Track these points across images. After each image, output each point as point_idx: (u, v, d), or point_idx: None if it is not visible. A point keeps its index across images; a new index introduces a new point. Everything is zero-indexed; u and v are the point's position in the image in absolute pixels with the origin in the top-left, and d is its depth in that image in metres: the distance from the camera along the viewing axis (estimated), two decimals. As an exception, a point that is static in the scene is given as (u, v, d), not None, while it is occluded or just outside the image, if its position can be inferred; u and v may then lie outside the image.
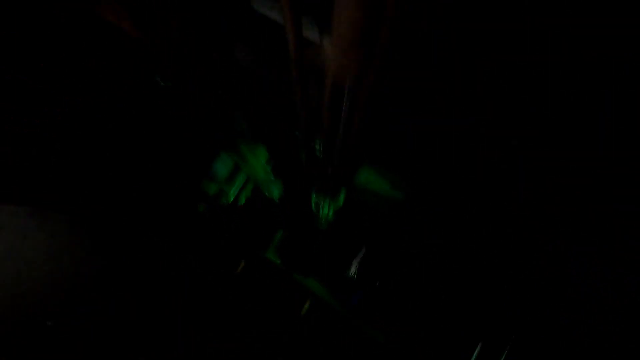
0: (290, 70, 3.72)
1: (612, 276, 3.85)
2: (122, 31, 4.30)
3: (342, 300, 9.85)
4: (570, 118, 5.49)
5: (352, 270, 11.22)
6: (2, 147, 3.64)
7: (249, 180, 10.54)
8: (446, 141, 8.30)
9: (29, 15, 3.63)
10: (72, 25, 3.94)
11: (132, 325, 3.94)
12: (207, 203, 8.23)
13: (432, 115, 8.14)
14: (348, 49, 2.79)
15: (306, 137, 5.45)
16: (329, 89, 3.58)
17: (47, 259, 3.89)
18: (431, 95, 7.58)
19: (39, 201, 3.83)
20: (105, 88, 4.78)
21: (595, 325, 3.36)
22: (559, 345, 3.30)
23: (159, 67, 5.39)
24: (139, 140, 5.12)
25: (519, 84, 6.28)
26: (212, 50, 5.37)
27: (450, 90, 7.28)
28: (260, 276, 6.75)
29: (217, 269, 6.42)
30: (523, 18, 4.81)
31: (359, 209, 10.87)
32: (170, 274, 5.24)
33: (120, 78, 4.96)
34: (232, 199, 9.62)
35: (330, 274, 11.50)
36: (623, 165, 4.49)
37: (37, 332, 3.29)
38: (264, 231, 10.96)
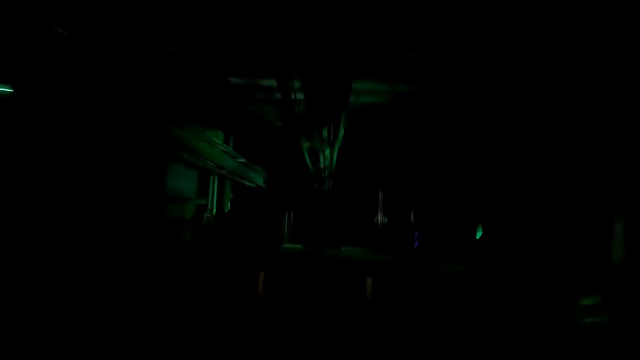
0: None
1: (612, 276, 3.85)
2: (121, 31, 4.30)
3: (391, 249, 8.31)
4: (570, 118, 5.48)
5: (379, 217, 9.82)
6: (2, 147, 3.64)
7: (224, 179, 8.67)
8: (446, 141, 8.27)
9: (29, 15, 3.63)
10: (72, 26, 3.94)
11: (132, 325, 3.94)
12: (190, 228, 6.69)
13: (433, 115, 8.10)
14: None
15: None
16: None
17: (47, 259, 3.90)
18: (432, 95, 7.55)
19: (39, 201, 3.84)
20: (105, 88, 4.78)
21: (594, 325, 3.36)
22: (559, 344, 3.31)
23: (159, 66, 5.39)
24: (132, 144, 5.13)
25: (519, 84, 6.26)
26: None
27: (451, 90, 7.25)
28: (288, 278, 5.38)
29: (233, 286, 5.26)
30: (523, 18, 4.79)
31: (360, 135, 8.98)
32: (170, 274, 5.25)
33: (119, 79, 4.96)
34: (215, 210, 7.99)
35: (360, 231, 9.93)
36: (623, 165, 4.49)
37: (36, 332, 3.29)
38: (269, 225, 9.17)
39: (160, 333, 3.97)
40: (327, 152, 7.56)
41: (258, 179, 9.69)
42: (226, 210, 8.57)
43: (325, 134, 6.61)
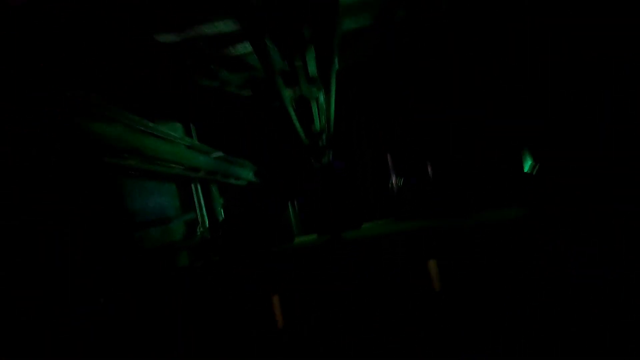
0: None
1: (612, 276, 3.85)
2: (122, 30, 4.30)
3: (416, 212, 6.89)
4: (570, 118, 5.48)
5: (393, 180, 8.55)
6: (2, 147, 3.64)
7: (207, 183, 7.32)
8: (446, 141, 8.26)
9: (29, 15, 3.63)
10: (72, 25, 3.94)
11: (132, 325, 3.93)
12: (184, 250, 5.72)
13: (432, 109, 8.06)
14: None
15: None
16: None
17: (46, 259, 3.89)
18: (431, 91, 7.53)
19: (39, 201, 3.83)
20: (106, 88, 4.78)
21: (595, 325, 3.36)
22: (558, 345, 3.31)
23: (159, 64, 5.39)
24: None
25: (519, 84, 6.27)
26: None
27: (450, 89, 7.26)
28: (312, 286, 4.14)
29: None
30: (523, 18, 4.81)
31: (350, 81, 7.17)
32: (170, 273, 5.25)
33: (120, 77, 4.95)
34: (207, 222, 7.00)
35: (377, 201, 8.60)
36: (623, 165, 4.49)
37: (36, 332, 3.29)
38: (270, 224, 7.48)
39: (160, 333, 3.96)
40: (322, 98, 5.49)
41: (246, 173, 8.28)
42: (220, 219, 7.57)
43: (312, 68, 4.52)
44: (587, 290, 3.77)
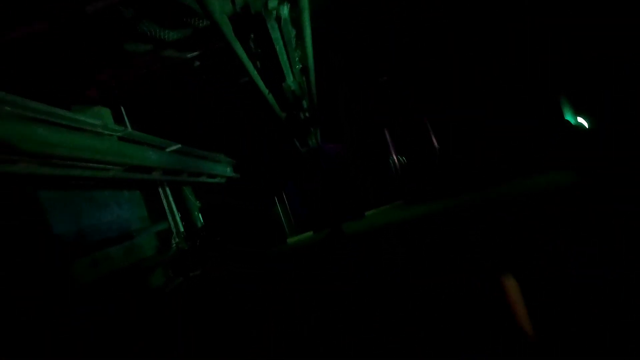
0: None
1: (612, 276, 3.86)
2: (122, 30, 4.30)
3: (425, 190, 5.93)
4: (570, 118, 5.48)
5: (395, 158, 7.63)
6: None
7: (178, 185, 6.24)
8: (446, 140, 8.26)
9: (30, 15, 3.63)
10: (72, 25, 3.94)
11: (132, 325, 3.93)
12: (159, 266, 5.00)
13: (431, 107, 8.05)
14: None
15: None
16: None
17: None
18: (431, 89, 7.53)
19: (38, 201, 3.84)
20: (106, 87, 4.78)
21: (595, 325, 3.36)
22: (558, 345, 3.31)
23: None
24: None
25: (519, 84, 6.26)
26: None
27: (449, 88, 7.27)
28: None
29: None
30: (523, 18, 4.81)
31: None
32: (170, 273, 5.25)
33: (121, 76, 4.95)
34: (183, 230, 6.10)
35: (379, 184, 7.60)
36: (623, 165, 4.49)
37: (36, 332, 3.29)
38: (259, 223, 6.87)
39: (160, 333, 3.96)
40: (286, 12, 2.94)
41: (222, 169, 6.81)
42: (200, 225, 6.52)
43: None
44: (587, 290, 3.78)
